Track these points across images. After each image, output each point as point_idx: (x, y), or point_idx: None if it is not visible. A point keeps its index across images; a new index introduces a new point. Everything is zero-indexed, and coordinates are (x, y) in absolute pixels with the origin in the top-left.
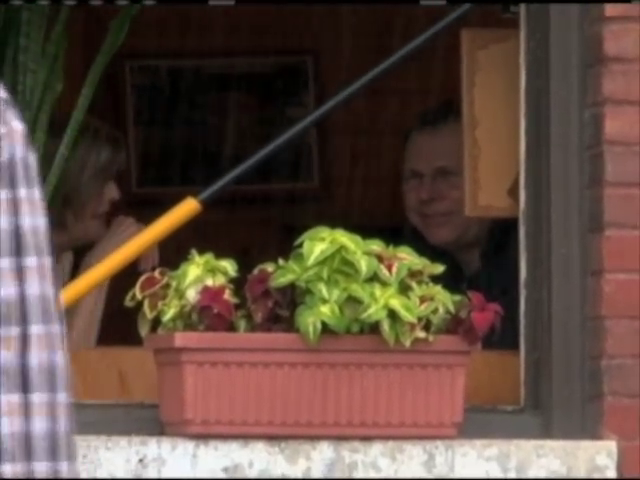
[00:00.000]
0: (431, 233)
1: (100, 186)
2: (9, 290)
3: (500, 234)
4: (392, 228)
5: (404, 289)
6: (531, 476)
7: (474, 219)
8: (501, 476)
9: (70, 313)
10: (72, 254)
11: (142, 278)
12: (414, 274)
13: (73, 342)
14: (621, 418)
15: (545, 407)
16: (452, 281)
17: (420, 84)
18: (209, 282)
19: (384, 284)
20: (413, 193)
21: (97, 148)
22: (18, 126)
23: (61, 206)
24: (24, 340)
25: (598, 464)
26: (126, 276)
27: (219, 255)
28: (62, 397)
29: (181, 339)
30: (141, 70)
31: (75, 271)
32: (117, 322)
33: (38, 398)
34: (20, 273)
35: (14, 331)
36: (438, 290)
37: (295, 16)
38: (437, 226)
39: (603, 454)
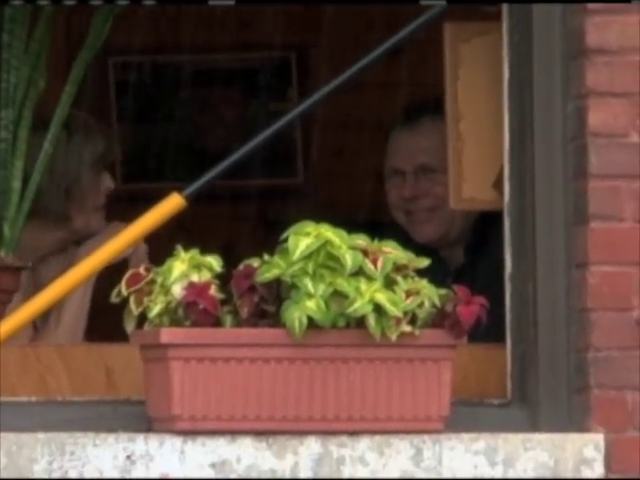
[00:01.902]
0: (416, 231)
1: (97, 176)
2: None
3: (484, 228)
4: (376, 223)
5: (390, 283)
6: (519, 469)
7: (458, 215)
8: (489, 469)
9: (57, 309)
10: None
11: (127, 274)
12: (399, 268)
13: (60, 337)
14: (608, 410)
15: (532, 400)
16: (437, 276)
17: (404, 78)
18: (195, 278)
19: (370, 278)
20: (395, 191)
21: (92, 139)
22: None
23: (64, 200)
24: None
25: (586, 457)
26: (113, 272)
27: (203, 250)
28: None
29: (167, 335)
30: (124, 66)
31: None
32: (103, 318)
33: None
34: None
35: None
36: (424, 284)
37: (279, 12)
38: (421, 223)
39: (590, 447)
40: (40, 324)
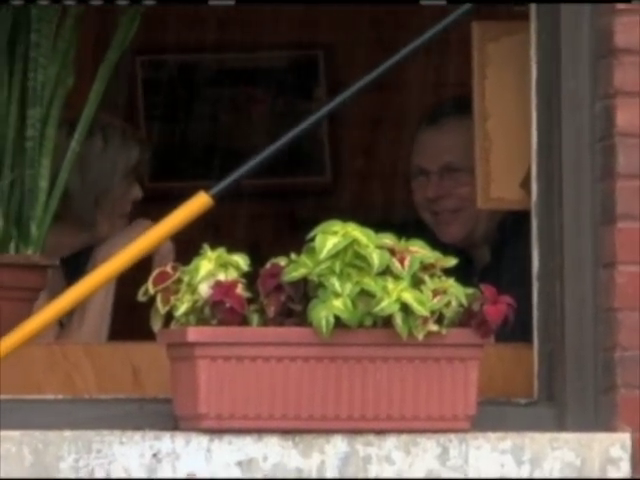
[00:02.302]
0: (441, 231)
1: (128, 186)
2: None
3: (510, 227)
4: (404, 222)
5: (417, 282)
6: (545, 468)
7: (483, 215)
8: (515, 469)
9: (81, 308)
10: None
11: (154, 273)
12: (426, 267)
13: (84, 336)
14: (635, 410)
15: (559, 399)
16: (464, 275)
17: (432, 77)
18: (221, 277)
19: (396, 277)
20: (420, 191)
21: (127, 148)
22: None
23: (93, 206)
24: None
25: (612, 456)
26: (137, 270)
27: (230, 249)
28: None
29: (194, 334)
30: (152, 65)
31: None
32: (126, 317)
33: None
34: None
35: None
36: (451, 283)
37: (307, 11)
38: (446, 224)
39: (617, 446)
40: (66, 322)
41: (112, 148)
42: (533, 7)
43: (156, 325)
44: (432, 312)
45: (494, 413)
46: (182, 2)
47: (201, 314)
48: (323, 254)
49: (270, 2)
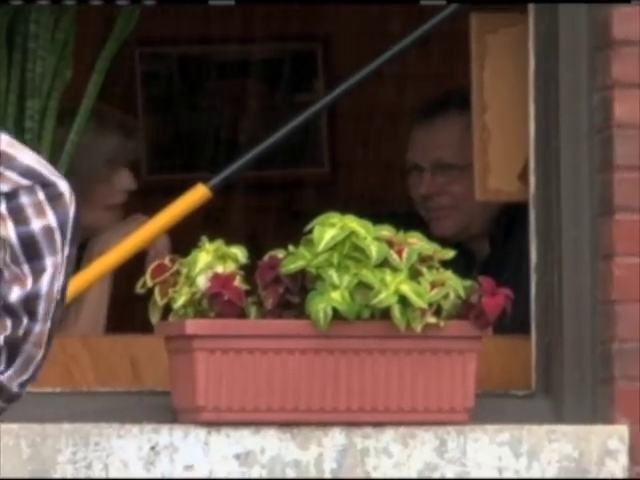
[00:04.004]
0: (434, 226)
1: (109, 174)
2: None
3: (510, 219)
4: (403, 214)
5: (415, 274)
6: (543, 460)
7: (478, 209)
8: (513, 461)
9: (77, 300)
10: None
11: (152, 265)
12: (425, 259)
13: (81, 329)
14: (632, 402)
15: (556, 392)
16: (463, 268)
17: (429, 69)
18: (219, 269)
19: (395, 269)
20: (414, 187)
21: (103, 134)
22: None
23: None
24: None
25: (610, 448)
26: (131, 264)
27: (229, 241)
28: None
29: (192, 326)
30: (151, 57)
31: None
32: (127, 309)
33: None
34: None
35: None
36: (449, 275)
37: (305, 3)
38: (438, 219)
39: (615, 438)
40: (63, 315)
41: (87, 133)
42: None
43: (154, 317)
44: (430, 304)
45: (492, 405)
46: (182, 2)
47: (199, 306)
48: (321, 246)
49: (270, 2)
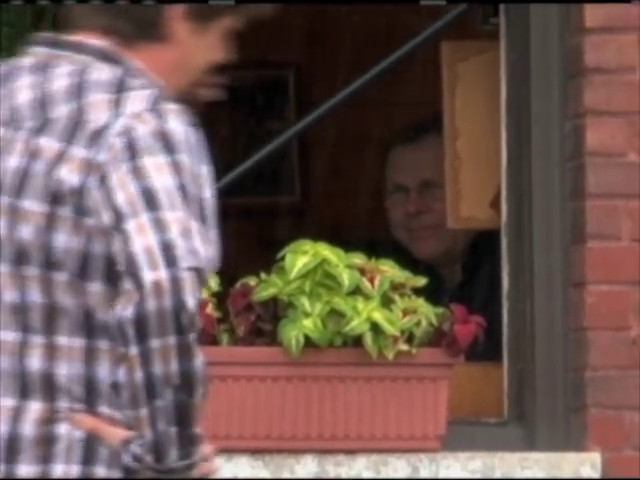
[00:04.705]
0: (418, 247)
1: None
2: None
3: (482, 246)
4: (374, 241)
5: (387, 302)
6: None
7: (460, 232)
8: None
9: None
10: None
11: None
12: (396, 287)
13: None
14: (605, 430)
15: (529, 419)
16: (434, 295)
17: (401, 97)
18: None
19: (367, 297)
20: (398, 207)
21: None
22: None
23: None
24: None
25: (582, 476)
26: None
27: None
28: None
29: None
30: None
31: None
32: None
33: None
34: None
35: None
36: (421, 303)
37: (276, 30)
38: (423, 239)
39: (587, 466)
40: None
41: None
42: (502, 26)
43: None
44: (402, 332)
45: (464, 433)
46: (181, 2)
47: None
48: (293, 274)
49: (271, 2)
